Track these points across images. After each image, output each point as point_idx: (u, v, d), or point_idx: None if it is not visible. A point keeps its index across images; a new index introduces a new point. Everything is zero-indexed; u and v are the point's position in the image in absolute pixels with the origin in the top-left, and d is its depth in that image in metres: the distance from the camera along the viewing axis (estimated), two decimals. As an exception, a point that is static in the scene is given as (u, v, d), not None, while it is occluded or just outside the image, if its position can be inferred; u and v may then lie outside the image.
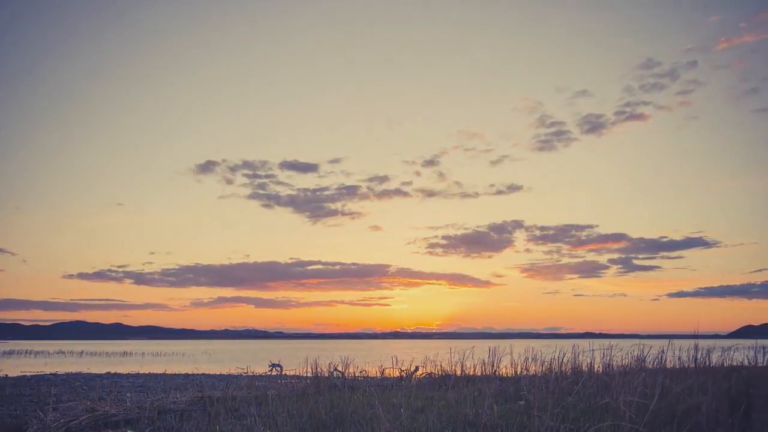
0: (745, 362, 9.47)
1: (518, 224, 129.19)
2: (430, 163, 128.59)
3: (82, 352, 54.88)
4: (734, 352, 10.03)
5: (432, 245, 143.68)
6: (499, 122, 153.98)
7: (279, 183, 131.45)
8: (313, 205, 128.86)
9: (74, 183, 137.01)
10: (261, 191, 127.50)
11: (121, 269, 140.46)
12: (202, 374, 22.55)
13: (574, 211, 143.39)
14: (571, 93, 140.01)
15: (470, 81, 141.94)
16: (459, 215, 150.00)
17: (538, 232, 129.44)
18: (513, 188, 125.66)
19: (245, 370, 14.45)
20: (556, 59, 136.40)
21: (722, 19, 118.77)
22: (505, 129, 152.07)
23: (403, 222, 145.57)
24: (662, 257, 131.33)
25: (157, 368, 28.04)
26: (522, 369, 11.95)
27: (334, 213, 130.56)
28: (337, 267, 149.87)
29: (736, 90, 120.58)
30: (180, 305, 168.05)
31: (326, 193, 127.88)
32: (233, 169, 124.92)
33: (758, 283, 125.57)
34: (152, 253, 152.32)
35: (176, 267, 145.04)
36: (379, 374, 13.47)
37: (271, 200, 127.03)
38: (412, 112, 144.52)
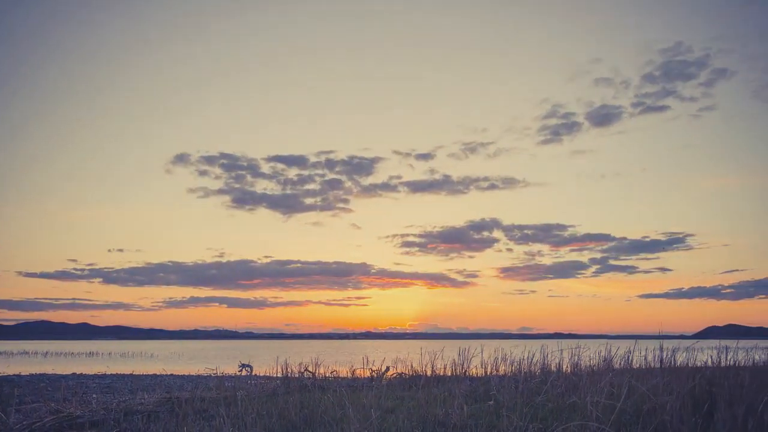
0: (709, 362, 9.67)
1: (502, 223, 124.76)
2: (425, 156, 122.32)
3: (47, 352, 53.73)
4: (698, 352, 10.25)
5: (413, 244, 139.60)
6: (504, 113, 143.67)
7: (258, 177, 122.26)
8: (294, 201, 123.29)
9: (40, 178, 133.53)
10: (238, 186, 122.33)
11: (88, 267, 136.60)
12: (171, 375, 22.27)
13: (564, 208, 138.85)
14: (589, 80, 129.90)
15: (474, 69, 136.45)
16: (445, 212, 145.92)
17: (518, 233, 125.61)
18: (507, 183, 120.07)
19: (214, 371, 14.31)
20: (571, 43, 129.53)
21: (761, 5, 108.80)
22: (510, 120, 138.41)
23: (387, 219, 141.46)
24: (641, 258, 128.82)
25: (125, 369, 27.62)
26: (492, 369, 12.08)
27: (315, 209, 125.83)
28: (316, 266, 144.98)
29: (760, 82, 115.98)
30: (149, 305, 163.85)
31: (308, 187, 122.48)
32: (209, 162, 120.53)
33: (727, 284, 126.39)
34: (121, 251, 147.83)
35: (146, 265, 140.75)
36: (349, 375, 13.45)
37: (249, 196, 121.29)
38: (412, 103, 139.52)
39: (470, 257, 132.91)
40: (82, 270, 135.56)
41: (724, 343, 10.41)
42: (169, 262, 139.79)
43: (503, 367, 12.10)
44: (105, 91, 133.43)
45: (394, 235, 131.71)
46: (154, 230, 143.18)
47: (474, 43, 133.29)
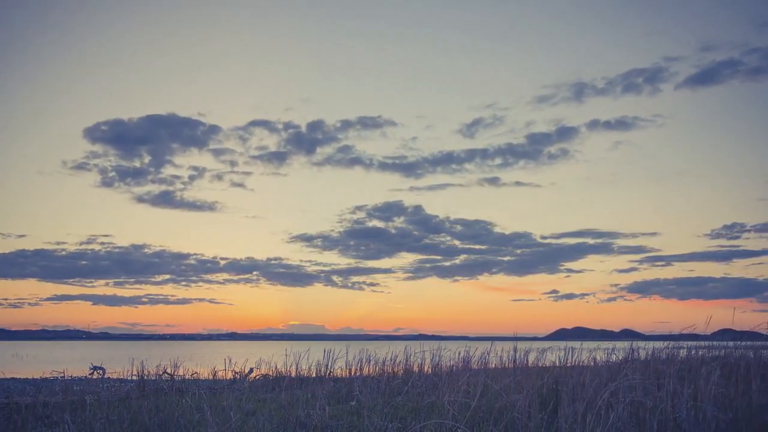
0: (557, 362, 10.41)
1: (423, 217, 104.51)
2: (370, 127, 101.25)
3: None
4: (548, 353, 11.03)
5: (319, 237, 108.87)
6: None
7: (146, 150, 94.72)
8: (191, 182, 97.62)
9: None
10: (118, 162, 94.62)
11: None
12: (11, 379, 20.39)
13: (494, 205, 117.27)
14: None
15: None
16: (376, 197, 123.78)
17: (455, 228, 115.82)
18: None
19: (62, 374, 13.31)
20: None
21: None
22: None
23: (294, 204, 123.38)
24: (550, 261, 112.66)
25: (-44, 372, 24.95)
26: (356, 370, 12.22)
27: (213, 190, 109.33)
28: (217, 260, 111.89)
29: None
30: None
31: (212, 166, 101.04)
32: (92, 128, 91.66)
33: (605, 288, 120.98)
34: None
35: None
36: (211, 376, 13.06)
37: (130, 171, 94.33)
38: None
39: (383, 256, 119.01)
40: None
41: (570, 344, 11.28)
42: (18, 250, 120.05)
43: (368, 368, 12.28)
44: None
45: (294, 228, 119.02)
46: (3, 210, 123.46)
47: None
